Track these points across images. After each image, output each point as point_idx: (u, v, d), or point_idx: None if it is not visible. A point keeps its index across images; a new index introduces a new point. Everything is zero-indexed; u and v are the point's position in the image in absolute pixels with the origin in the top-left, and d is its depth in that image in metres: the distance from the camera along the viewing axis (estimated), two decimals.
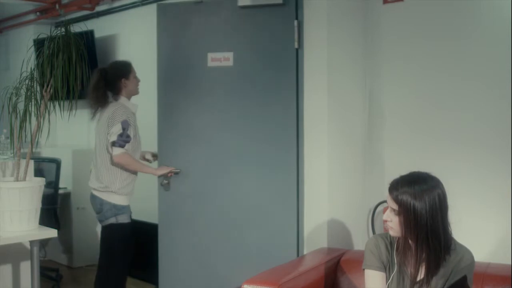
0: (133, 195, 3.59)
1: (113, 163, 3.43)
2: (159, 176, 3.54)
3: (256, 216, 3.36)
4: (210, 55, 3.43)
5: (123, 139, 3.37)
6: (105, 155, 3.47)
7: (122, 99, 3.52)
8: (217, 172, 3.47)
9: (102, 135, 3.49)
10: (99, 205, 3.49)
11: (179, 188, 3.54)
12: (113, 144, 3.37)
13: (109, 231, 3.50)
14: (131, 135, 3.41)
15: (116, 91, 3.53)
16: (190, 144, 3.52)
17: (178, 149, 3.55)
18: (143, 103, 3.76)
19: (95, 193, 3.51)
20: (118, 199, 3.46)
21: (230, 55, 3.39)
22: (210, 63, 3.44)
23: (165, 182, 3.53)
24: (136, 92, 3.60)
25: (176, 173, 3.50)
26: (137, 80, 3.59)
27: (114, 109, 3.43)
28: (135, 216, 3.69)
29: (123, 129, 3.37)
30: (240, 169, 3.41)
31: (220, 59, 3.41)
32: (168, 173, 3.49)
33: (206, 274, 3.51)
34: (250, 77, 3.36)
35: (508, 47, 2.75)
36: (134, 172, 3.52)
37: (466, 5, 2.92)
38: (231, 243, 3.45)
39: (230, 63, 3.39)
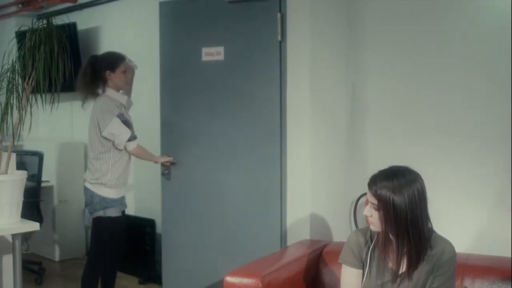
0: (125, 188, 3.57)
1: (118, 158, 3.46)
2: (162, 165, 3.65)
3: (243, 209, 3.40)
4: (204, 50, 3.48)
5: (132, 133, 3.41)
6: (97, 148, 3.44)
7: (109, 91, 3.47)
8: (209, 164, 3.54)
9: (92, 128, 3.46)
10: (89, 197, 3.47)
11: (177, 177, 3.65)
12: (128, 140, 3.40)
13: (97, 223, 3.48)
14: (134, 128, 3.44)
15: (102, 82, 3.48)
16: (188, 137, 3.59)
17: (178, 142, 3.64)
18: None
19: (87, 185, 3.50)
20: (107, 192, 3.43)
21: (221, 49, 3.43)
22: (204, 58, 3.49)
23: (166, 172, 3.63)
24: (122, 87, 3.53)
25: (173, 164, 3.57)
26: (126, 76, 3.51)
27: (103, 104, 3.40)
28: None
29: (123, 121, 3.37)
30: (229, 161, 3.46)
31: (213, 53, 3.46)
32: (166, 162, 3.58)
33: (198, 261, 3.60)
34: (239, 71, 3.40)
35: (493, 36, 2.76)
36: (127, 166, 3.51)
37: None
38: (220, 234, 3.51)
39: (221, 57, 3.44)
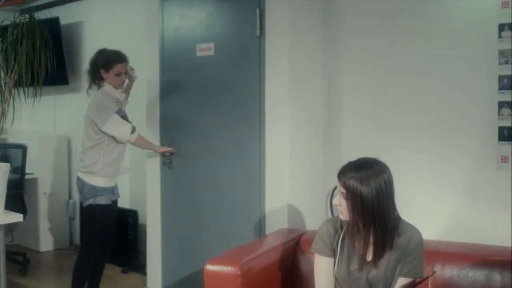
0: (115, 178, 3.58)
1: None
2: (163, 154, 3.71)
3: (226, 199, 3.44)
4: (198, 46, 3.53)
5: (130, 127, 3.43)
6: (92, 138, 3.44)
7: (106, 87, 3.48)
8: (198, 155, 3.58)
9: (88, 120, 3.46)
10: (81, 186, 3.48)
11: (176, 166, 3.69)
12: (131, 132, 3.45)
13: (88, 211, 3.49)
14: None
15: (100, 78, 3.49)
16: (183, 128, 3.64)
17: (174, 132, 3.69)
18: None
19: (79, 174, 3.51)
20: (96, 181, 3.43)
21: (211, 45, 3.48)
22: (198, 53, 3.54)
23: (168, 161, 3.69)
24: (117, 87, 3.53)
25: (172, 154, 3.64)
26: (120, 79, 3.50)
27: (100, 99, 3.42)
28: None
29: (122, 117, 3.40)
30: (215, 153, 3.49)
31: (205, 49, 3.51)
32: (166, 151, 3.64)
33: (184, 249, 3.65)
34: (225, 66, 3.43)
35: (472, 28, 2.79)
36: (118, 157, 3.52)
37: None
38: (205, 224, 3.54)
39: (211, 52, 3.48)
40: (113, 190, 3.55)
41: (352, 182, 2.01)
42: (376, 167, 2.04)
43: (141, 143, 3.59)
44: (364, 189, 2.00)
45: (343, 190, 2.05)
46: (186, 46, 3.59)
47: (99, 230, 3.48)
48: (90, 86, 3.54)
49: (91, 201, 3.43)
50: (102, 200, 3.44)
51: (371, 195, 2.00)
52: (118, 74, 3.47)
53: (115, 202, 3.60)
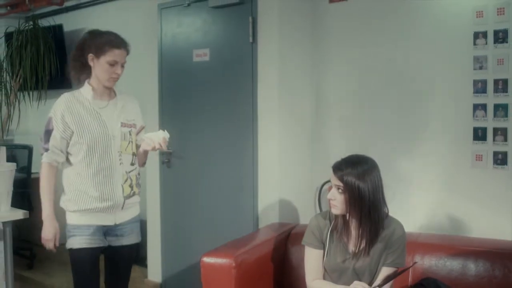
0: (99, 213, 2.49)
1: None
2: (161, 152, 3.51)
3: (222, 196, 3.46)
4: (195, 52, 3.55)
5: (42, 146, 2.47)
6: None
7: (85, 86, 2.47)
8: (197, 155, 3.59)
9: None
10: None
11: (175, 165, 3.70)
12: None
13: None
14: (56, 138, 2.44)
15: (85, 67, 2.46)
16: (181, 131, 3.63)
17: (175, 134, 3.62)
18: None
19: None
20: (69, 217, 2.56)
21: (207, 51, 3.50)
22: (195, 59, 3.56)
23: (166, 160, 3.68)
24: (104, 83, 2.44)
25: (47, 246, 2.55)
26: (113, 71, 2.40)
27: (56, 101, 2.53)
28: None
29: (45, 131, 2.46)
30: (212, 153, 3.51)
31: (201, 54, 3.53)
32: (49, 241, 2.52)
33: (182, 243, 3.68)
34: (220, 71, 3.45)
35: (444, 41, 2.85)
36: (93, 180, 2.44)
37: (401, 4, 2.99)
38: (203, 219, 3.56)
39: (207, 58, 3.50)
40: (95, 231, 2.45)
41: (350, 178, 2.04)
42: (369, 163, 2.09)
43: (41, 173, 2.48)
44: (362, 185, 2.03)
45: (341, 184, 2.06)
46: (183, 52, 3.61)
47: (78, 278, 2.54)
48: (77, 81, 2.53)
49: (67, 244, 2.50)
50: (73, 243, 2.46)
51: (367, 189, 2.03)
52: (112, 64, 2.39)
53: (114, 248, 2.57)
